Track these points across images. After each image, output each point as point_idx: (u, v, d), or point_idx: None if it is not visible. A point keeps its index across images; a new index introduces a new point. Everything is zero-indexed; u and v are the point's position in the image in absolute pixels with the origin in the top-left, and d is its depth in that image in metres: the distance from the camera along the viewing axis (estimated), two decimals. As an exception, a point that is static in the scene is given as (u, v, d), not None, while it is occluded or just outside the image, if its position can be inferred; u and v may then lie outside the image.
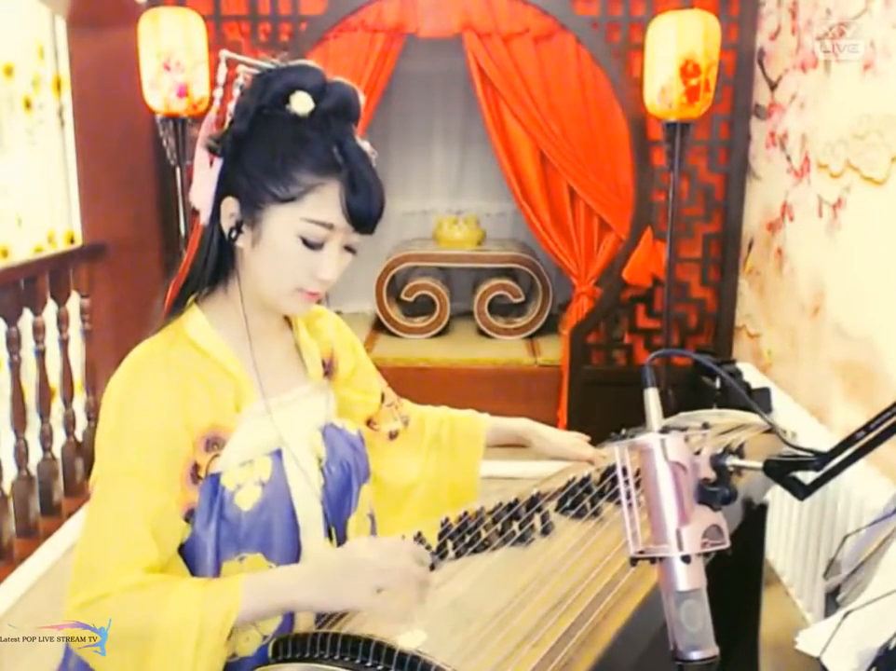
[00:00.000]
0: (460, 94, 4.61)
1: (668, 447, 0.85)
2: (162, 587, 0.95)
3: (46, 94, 3.37)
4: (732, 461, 0.88)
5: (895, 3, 2.15)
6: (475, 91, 3.45)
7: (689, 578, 0.83)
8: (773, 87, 3.06)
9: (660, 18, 2.87)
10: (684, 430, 0.90)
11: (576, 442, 1.47)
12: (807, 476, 0.89)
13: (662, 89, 2.82)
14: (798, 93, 2.79)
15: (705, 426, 1.61)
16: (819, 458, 0.88)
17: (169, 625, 0.91)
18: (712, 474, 0.86)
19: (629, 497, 0.87)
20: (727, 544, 0.85)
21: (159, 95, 2.83)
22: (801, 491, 0.90)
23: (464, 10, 3.28)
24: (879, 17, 2.21)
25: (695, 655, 0.81)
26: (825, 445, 0.89)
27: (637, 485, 0.88)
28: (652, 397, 0.92)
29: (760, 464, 0.92)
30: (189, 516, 1.02)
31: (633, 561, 0.87)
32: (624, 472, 0.88)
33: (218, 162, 1.04)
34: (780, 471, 0.91)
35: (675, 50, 2.77)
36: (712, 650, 0.82)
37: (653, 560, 0.85)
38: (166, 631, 0.91)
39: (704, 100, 2.81)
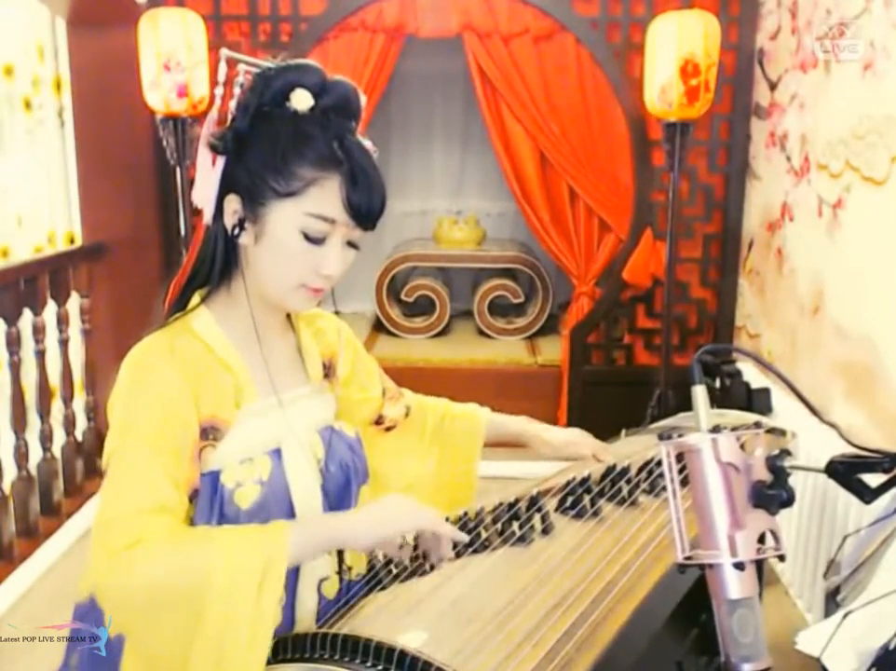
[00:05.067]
0: (460, 94, 4.60)
1: (720, 447, 0.79)
2: (201, 535, 0.96)
3: (46, 94, 3.36)
4: (790, 462, 0.83)
5: (895, 3, 2.15)
6: (475, 91, 3.45)
7: (742, 586, 0.78)
8: (773, 87, 3.06)
9: (660, 18, 2.86)
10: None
11: (573, 440, 1.46)
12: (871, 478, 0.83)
13: (662, 89, 2.82)
14: (798, 93, 2.79)
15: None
16: (889, 459, 0.83)
17: (224, 570, 0.91)
18: (768, 476, 0.81)
19: (675, 499, 0.82)
20: (784, 551, 0.80)
21: (159, 95, 2.82)
22: (868, 494, 0.84)
23: (464, 10, 3.28)
24: (879, 17, 2.21)
25: (747, 668, 0.77)
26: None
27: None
28: (700, 394, 0.85)
29: (822, 466, 0.86)
30: (193, 497, 1.03)
31: (681, 568, 0.81)
32: (670, 472, 0.82)
33: (221, 161, 1.04)
34: (846, 473, 0.85)
35: (675, 50, 2.76)
36: (766, 662, 0.78)
37: (702, 567, 0.80)
38: (222, 576, 0.90)
39: (704, 100, 2.81)
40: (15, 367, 2.73)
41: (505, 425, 1.46)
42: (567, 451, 1.45)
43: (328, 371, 1.24)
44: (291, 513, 1.08)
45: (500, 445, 1.46)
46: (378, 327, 4.34)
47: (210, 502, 1.03)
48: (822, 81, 2.58)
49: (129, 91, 2.95)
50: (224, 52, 1.05)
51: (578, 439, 1.47)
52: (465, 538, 1.08)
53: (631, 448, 1.56)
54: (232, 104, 1.05)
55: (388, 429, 1.37)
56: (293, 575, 1.09)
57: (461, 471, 1.42)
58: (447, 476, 1.41)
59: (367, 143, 1.07)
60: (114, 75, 3.19)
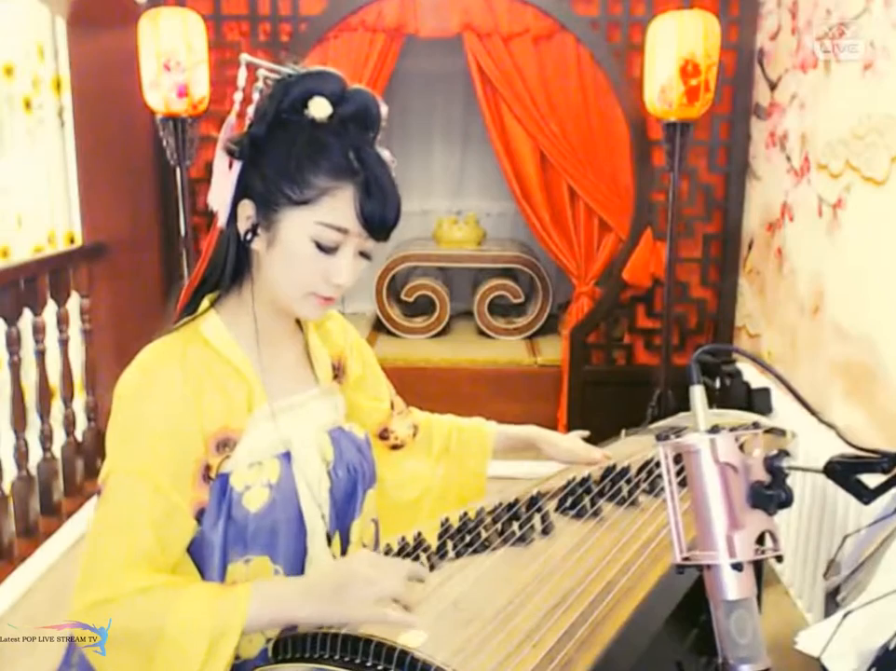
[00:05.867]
0: (460, 94, 4.60)
1: (718, 448, 0.79)
2: (169, 592, 0.95)
3: (46, 94, 3.36)
4: (789, 463, 0.82)
5: (895, 3, 2.15)
6: (475, 91, 3.45)
7: (740, 587, 0.78)
8: (773, 87, 3.06)
9: (660, 18, 2.86)
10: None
11: (586, 446, 1.47)
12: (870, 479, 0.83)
13: (662, 89, 2.82)
14: (798, 93, 2.79)
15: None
16: (888, 459, 0.83)
17: (177, 633, 0.91)
18: (766, 477, 0.81)
19: (673, 500, 0.82)
20: (781, 551, 0.80)
21: (159, 95, 2.82)
22: (867, 495, 0.84)
23: (464, 10, 3.28)
24: (879, 17, 2.21)
25: (745, 669, 0.77)
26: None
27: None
28: (699, 395, 0.85)
29: (820, 466, 0.86)
30: (200, 515, 1.03)
31: (679, 569, 0.81)
32: (668, 472, 0.82)
33: (237, 165, 1.04)
34: (844, 473, 0.84)
35: (675, 50, 2.77)
36: (764, 663, 0.78)
37: (700, 568, 0.81)
38: (173, 639, 0.91)
39: (704, 100, 2.81)
40: (15, 367, 2.73)
41: (515, 431, 1.47)
42: (581, 457, 1.45)
43: (337, 371, 1.24)
44: (298, 517, 1.08)
45: (507, 452, 1.47)
46: (378, 327, 4.34)
47: (218, 505, 1.03)
48: (822, 81, 2.58)
49: (129, 91, 2.95)
50: (244, 57, 1.05)
51: (590, 446, 1.48)
52: (415, 621, 0.95)
53: (631, 448, 1.56)
54: (250, 110, 1.05)
55: (394, 447, 1.37)
56: (294, 576, 1.09)
57: (470, 481, 1.42)
58: (456, 488, 1.42)
59: (385, 154, 1.07)
60: (114, 75, 3.19)
